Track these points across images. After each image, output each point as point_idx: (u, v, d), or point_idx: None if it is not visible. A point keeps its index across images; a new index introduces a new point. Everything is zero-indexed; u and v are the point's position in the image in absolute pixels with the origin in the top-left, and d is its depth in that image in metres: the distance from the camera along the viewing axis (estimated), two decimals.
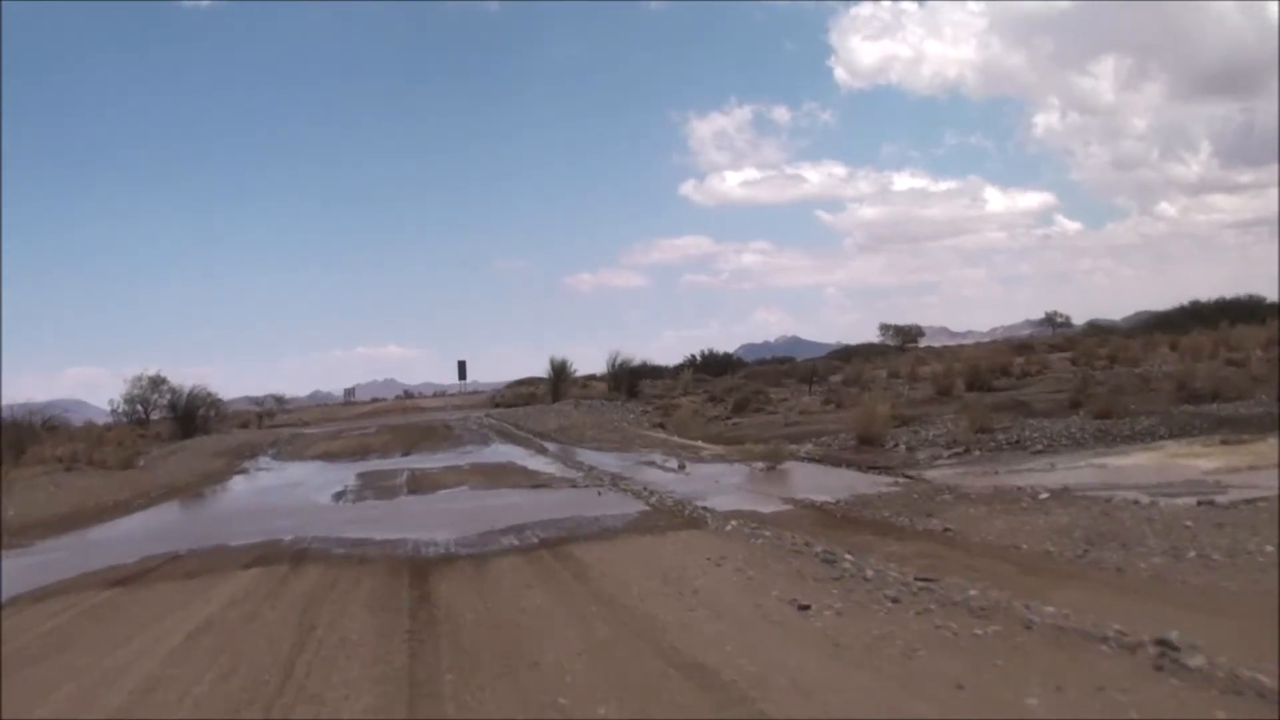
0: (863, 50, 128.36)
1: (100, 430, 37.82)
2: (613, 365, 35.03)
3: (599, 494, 11.61)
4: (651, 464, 15.03)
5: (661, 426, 21.84)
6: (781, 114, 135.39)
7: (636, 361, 35.50)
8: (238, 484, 18.08)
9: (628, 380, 34.18)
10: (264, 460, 23.94)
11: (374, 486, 14.91)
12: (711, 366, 47.42)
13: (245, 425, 40.51)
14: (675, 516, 9.44)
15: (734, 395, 27.72)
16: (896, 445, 15.14)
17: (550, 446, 20.14)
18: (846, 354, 57.06)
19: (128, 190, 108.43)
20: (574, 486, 12.67)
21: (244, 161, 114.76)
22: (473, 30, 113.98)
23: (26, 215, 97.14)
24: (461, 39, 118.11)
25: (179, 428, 34.90)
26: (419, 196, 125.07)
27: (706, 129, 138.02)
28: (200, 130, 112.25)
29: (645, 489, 11.53)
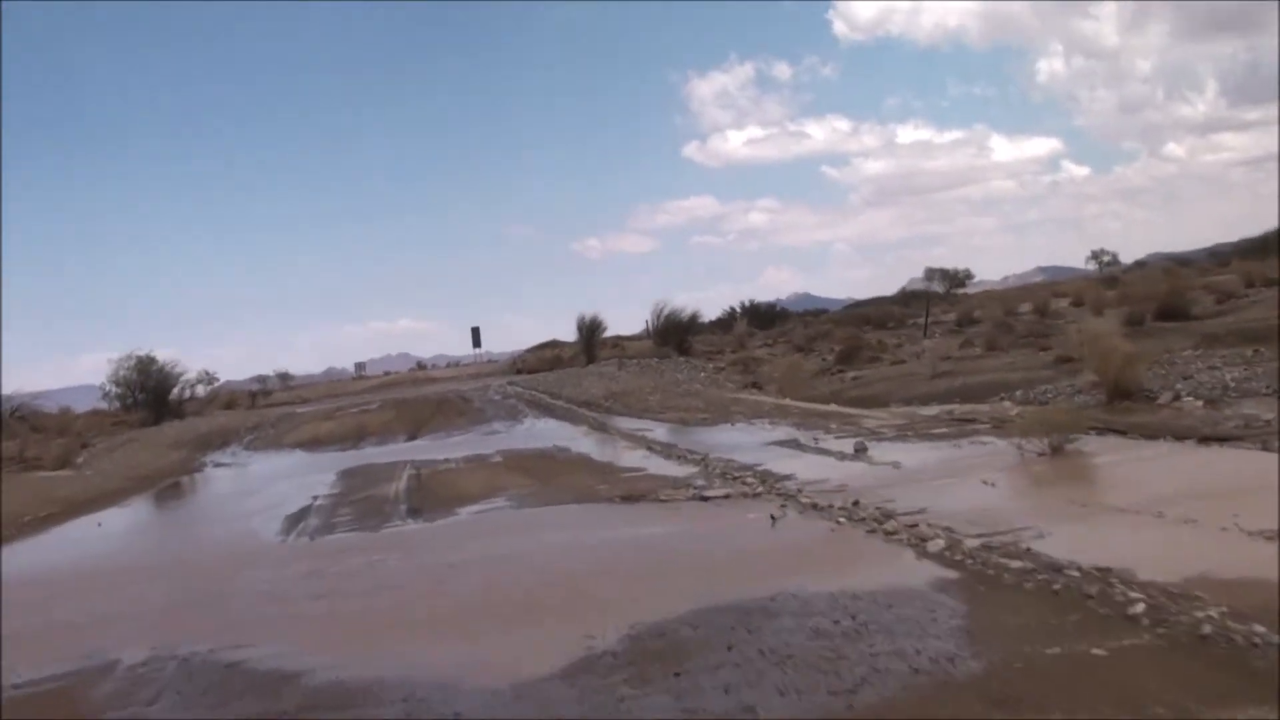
0: (862, 3, 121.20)
1: (70, 420, 32.81)
2: (658, 318, 29.26)
3: (772, 521, 5.97)
4: (795, 445, 9.40)
5: (755, 386, 16.17)
6: (782, 70, 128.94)
7: (685, 313, 29.65)
8: (158, 499, 12.52)
9: (677, 335, 28.46)
10: (230, 452, 18.51)
11: (355, 500, 9.35)
12: (758, 318, 41.86)
13: (230, 406, 35.17)
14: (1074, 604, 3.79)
15: (815, 342, 22.14)
16: (1176, 398, 9.50)
17: (607, 420, 14.54)
18: (904, 299, 51.31)
19: (139, 175, 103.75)
20: (700, 498, 7.06)
21: (251, 143, 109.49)
22: (475, 4, 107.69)
23: (35, 201, 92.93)
24: (460, 10, 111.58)
25: (150, 412, 29.70)
26: (425, 169, 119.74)
27: (707, 88, 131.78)
28: (208, 113, 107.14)
29: (860, 506, 5.91)
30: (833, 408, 12.45)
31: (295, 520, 8.47)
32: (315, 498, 9.76)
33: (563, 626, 4.17)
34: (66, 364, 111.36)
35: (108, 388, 38.64)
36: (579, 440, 12.61)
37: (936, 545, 4.63)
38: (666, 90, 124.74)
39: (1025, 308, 23.98)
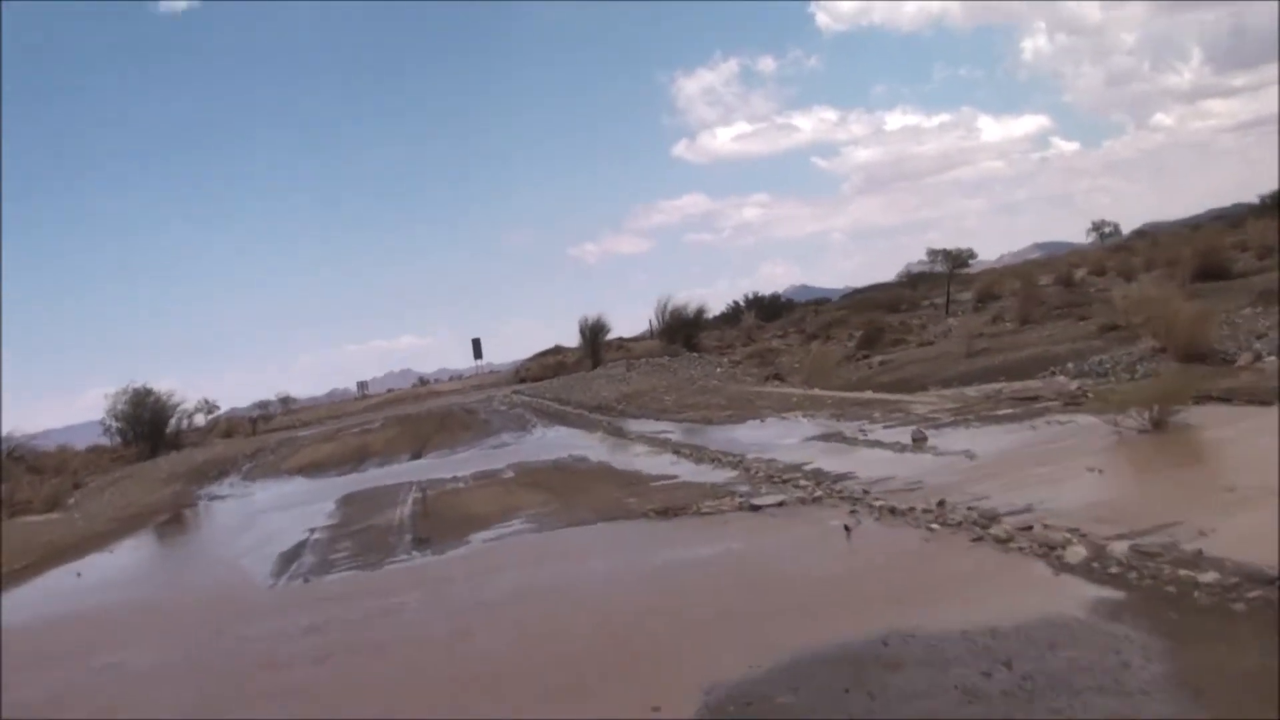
0: None
1: (67, 458, 31.92)
2: (662, 314, 28.25)
3: (846, 532, 5.01)
4: (840, 438, 8.45)
5: (778, 378, 15.20)
6: (767, 64, 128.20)
7: (690, 308, 28.64)
8: (144, 542, 11.53)
9: (684, 331, 27.48)
10: (228, 482, 17.56)
11: (356, 531, 8.40)
12: (763, 310, 40.97)
13: (229, 434, 34.18)
14: None
15: (830, 330, 21.18)
16: (1257, 359, 8.56)
17: (621, 424, 13.58)
18: (911, 282, 50.31)
19: (131, 205, 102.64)
20: (749, 507, 6.10)
21: (241, 168, 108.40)
22: (456, 10, 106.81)
23: (32, 233, 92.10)
24: (446, 20, 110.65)
25: (147, 445, 28.78)
26: (417, 183, 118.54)
27: (694, 86, 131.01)
28: (194, 139, 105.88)
29: (949, 508, 4.96)
30: (869, 394, 11.50)
31: (289, 559, 7.52)
32: (312, 530, 8.82)
33: (617, 693, 3.22)
34: (70, 401, 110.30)
35: (108, 423, 37.68)
36: (596, 448, 11.65)
37: (1076, 554, 3.67)
38: (654, 90, 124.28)
39: (1046, 279, 23.01)
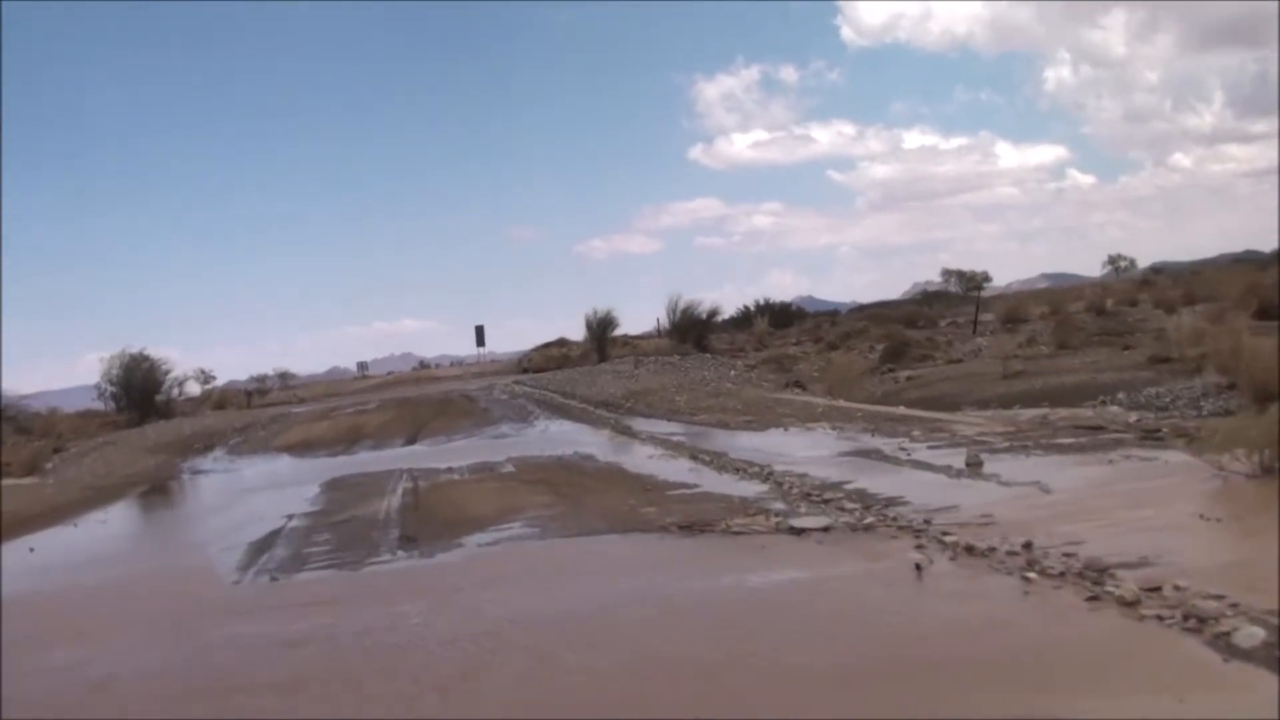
0: (870, 8, 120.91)
1: (55, 421, 31.17)
2: (673, 313, 27.41)
3: (917, 572, 4.18)
4: (879, 455, 7.63)
5: (798, 385, 14.38)
6: (789, 74, 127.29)
7: (703, 308, 27.79)
8: (110, 516, 10.68)
9: (695, 332, 26.64)
10: (212, 456, 16.78)
11: (338, 522, 7.57)
12: (774, 316, 40.20)
13: (222, 406, 33.38)
14: None
15: (849, 340, 20.36)
16: None
17: (629, 423, 12.78)
18: (925, 300, 49.61)
19: (140, 177, 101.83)
20: (789, 530, 5.28)
21: (253, 146, 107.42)
22: (475, 6, 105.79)
23: (37, 198, 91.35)
24: (463, 12, 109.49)
25: (136, 413, 27.98)
26: (429, 170, 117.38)
27: (714, 91, 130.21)
28: (207, 119, 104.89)
29: (1038, 551, 4.14)
30: (902, 410, 10.68)
31: (259, 550, 6.71)
32: (290, 517, 8.00)
33: None
34: (70, 363, 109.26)
35: (103, 387, 36.95)
36: (604, 446, 10.84)
37: (1250, 636, 2.85)
38: (672, 92, 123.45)
39: (1075, 306, 22.20)
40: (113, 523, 9.96)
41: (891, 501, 5.68)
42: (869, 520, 5.25)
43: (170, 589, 6.06)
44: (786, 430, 10.22)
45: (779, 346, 22.04)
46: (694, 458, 8.68)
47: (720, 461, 8.19)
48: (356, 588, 5.35)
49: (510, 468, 9.68)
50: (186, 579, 6.29)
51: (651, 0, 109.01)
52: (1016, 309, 22.13)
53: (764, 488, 6.70)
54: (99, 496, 12.04)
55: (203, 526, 8.57)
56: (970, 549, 4.36)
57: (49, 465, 17.90)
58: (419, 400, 23.08)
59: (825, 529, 5.17)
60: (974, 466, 6.64)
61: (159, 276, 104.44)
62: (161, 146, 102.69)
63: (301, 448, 15.90)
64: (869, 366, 15.12)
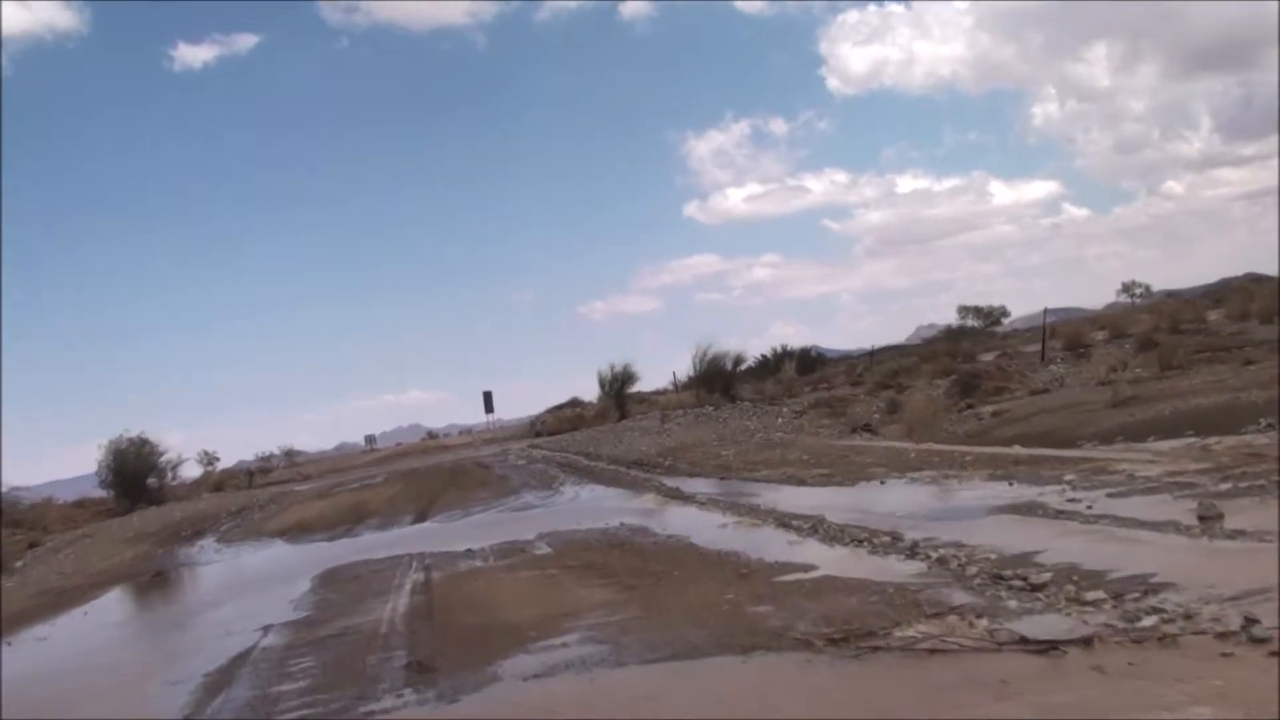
0: (853, 56, 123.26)
1: (46, 512, 29.34)
2: (700, 361, 25.57)
3: None
4: (1037, 510, 5.70)
5: (867, 429, 12.45)
6: (779, 126, 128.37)
7: (730, 356, 25.98)
8: (51, 631, 8.75)
9: (723, 381, 24.78)
10: (200, 545, 14.83)
11: (325, 637, 5.60)
12: (800, 363, 38.52)
13: (220, 488, 31.41)
14: None
15: (899, 378, 18.44)
16: None
17: (674, 484, 10.83)
18: (952, 336, 47.93)
19: (139, 258, 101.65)
20: (1020, 641, 3.35)
21: (254, 226, 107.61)
22: (463, 70, 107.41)
23: (37, 285, 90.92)
24: (452, 80, 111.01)
25: (125, 499, 26.11)
26: (425, 239, 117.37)
27: (705, 147, 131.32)
28: (208, 198, 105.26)
29: None
30: (1021, 450, 8.74)
31: (214, 688, 4.77)
32: (266, 630, 6.08)
33: None
34: (77, 451, 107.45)
35: (101, 474, 35.21)
36: (654, 515, 8.91)
37: None
38: (665, 151, 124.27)
39: (1138, 328, 20.34)
40: (53, 640, 7.99)
41: (1144, 584, 3.76)
42: (1147, 621, 3.32)
43: None
44: (883, 483, 8.28)
45: (826, 390, 20.12)
46: (784, 525, 6.74)
47: (825, 529, 6.25)
48: None
49: (545, 548, 7.74)
50: None
51: (637, 62, 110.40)
52: (1077, 335, 20.24)
53: (918, 566, 4.77)
54: (53, 603, 10.12)
55: (154, 647, 6.64)
56: None
57: (18, 564, 15.99)
58: (429, 471, 21.15)
59: (1085, 642, 3.23)
60: (1210, 520, 4.71)
61: (163, 359, 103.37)
62: (164, 228, 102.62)
63: (297, 531, 13.97)
64: (944, 404, 13.20)
